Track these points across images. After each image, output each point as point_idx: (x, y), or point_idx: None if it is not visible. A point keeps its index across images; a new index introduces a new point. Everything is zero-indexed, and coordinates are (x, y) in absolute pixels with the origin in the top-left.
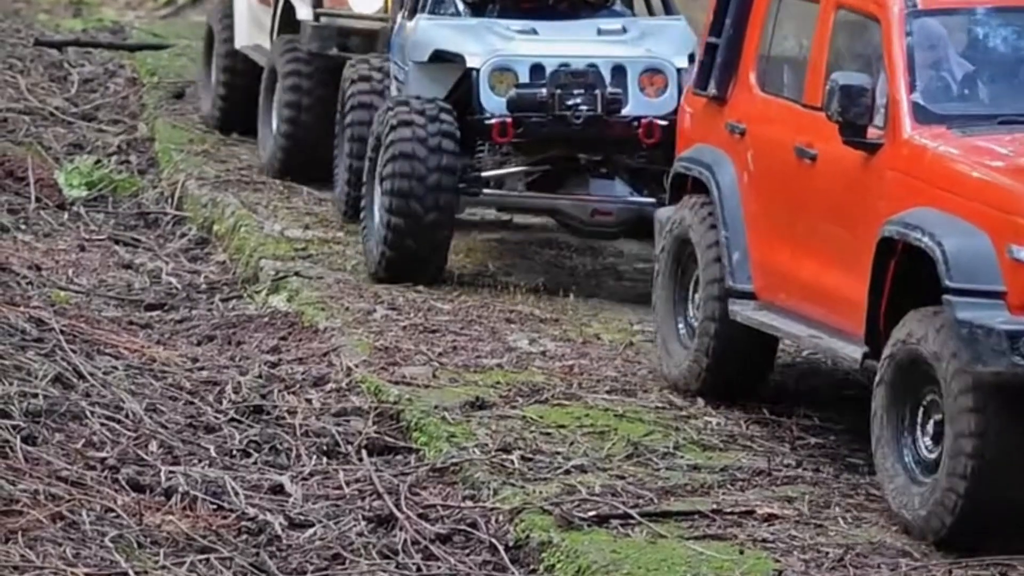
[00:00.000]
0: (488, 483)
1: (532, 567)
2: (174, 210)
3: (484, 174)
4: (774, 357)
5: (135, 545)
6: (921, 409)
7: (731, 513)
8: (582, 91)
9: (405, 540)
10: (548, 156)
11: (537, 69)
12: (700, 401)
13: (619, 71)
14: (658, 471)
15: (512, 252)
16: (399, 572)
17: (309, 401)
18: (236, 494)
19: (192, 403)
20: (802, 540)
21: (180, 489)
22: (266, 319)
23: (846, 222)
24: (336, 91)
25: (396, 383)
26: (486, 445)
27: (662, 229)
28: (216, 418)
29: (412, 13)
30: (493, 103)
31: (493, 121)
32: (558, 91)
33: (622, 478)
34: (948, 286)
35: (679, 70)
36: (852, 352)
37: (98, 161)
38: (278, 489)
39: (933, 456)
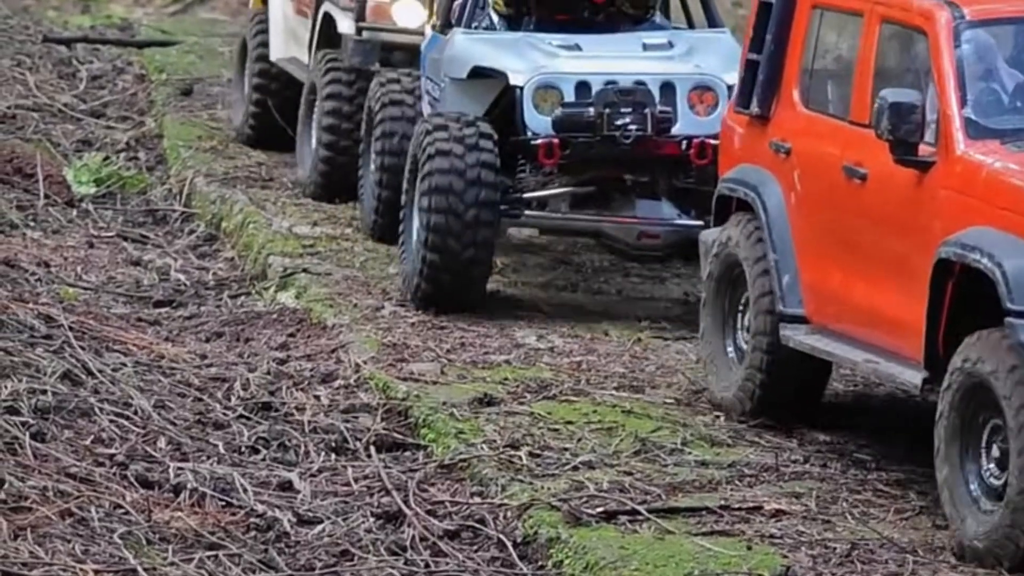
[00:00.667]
0: (496, 479)
1: (540, 563)
2: (182, 207)
3: (526, 195)
4: (827, 380)
5: (144, 542)
6: (985, 435)
7: (739, 509)
8: (631, 110)
9: (413, 536)
10: (593, 176)
11: (583, 87)
12: (706, 395)
13: (668, 88)
14: (666, 467)
15: (520, 248)
16: (407, 568)
17: (317, 398)
18: (245, 491)
19: (201, 400)
20: (810, 536)
21: (189, 486)
22: (274, 316)
23: (900, 243)
24: None
25: (404, 379)
26: (494, 441)
27: (708, 251)
28: (225, 415)
29: (445, 26)
30: (537, 123)
31: (539, 142)
32: (606, 110)
33: (630, 474)
34: (1010, 308)
35: (730, 87)
36: (911, 378)
37: (107, 158)
38: (287, 486)
39: (999, 483)
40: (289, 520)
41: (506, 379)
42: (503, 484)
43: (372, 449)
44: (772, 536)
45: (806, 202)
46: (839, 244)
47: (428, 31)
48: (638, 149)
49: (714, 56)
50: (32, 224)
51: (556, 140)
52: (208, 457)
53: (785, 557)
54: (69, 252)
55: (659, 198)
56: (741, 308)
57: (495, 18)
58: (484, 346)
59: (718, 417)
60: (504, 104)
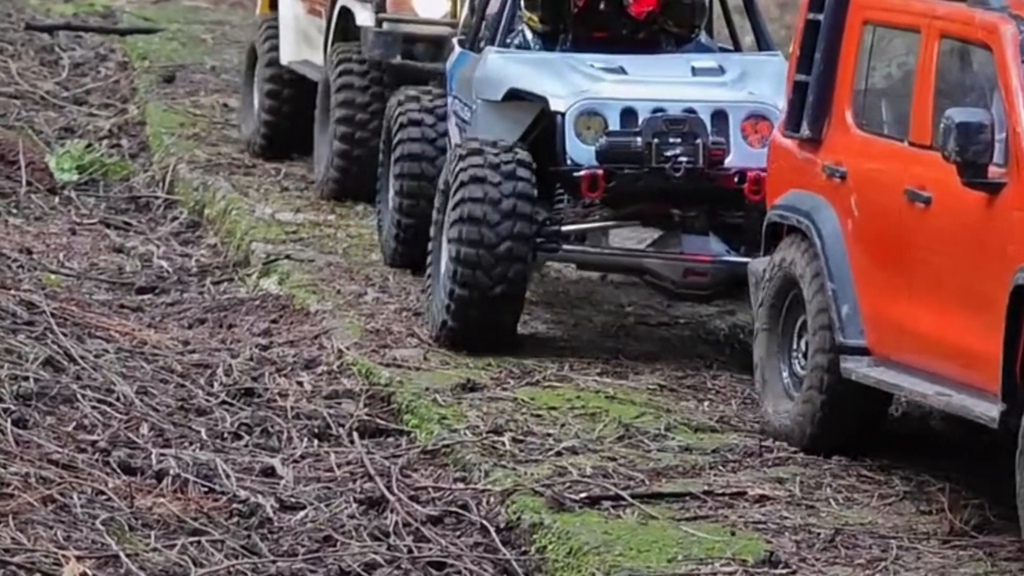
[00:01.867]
0: (479, 465)
1: (523, 549)
2: (165, 194)
3: (564, 228)
4: (887, 410)
5: (126, 528)
6: None
7: (722, 494)
8: (680, 140)
9: (396, 522)
10: (638, 210)
11: (628, 114)
12: (689, 381)
13: (720, 117)
14: (649, 453)
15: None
16: (390, 554)
17: (300, 384)
18: (227, 476)
19: (183, 386)
20: (793, 521)
21: (171, 472)
22: (257, 302)
23: (970, 269)
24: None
25: (387, 365)
26: (477, 427)
27: (759, 280)
28: (207, 401)
29: (474, 41)
30: (580, 152)
31: (582, 173)
32: (655, 140)
33: (613, 460)
34: None
35: None
36: (987, 410)
37: (89, 145)
38: (269, 471)
39: None
40: (272, 506)
41: (489, 365)
42: (486, 470)
43: (355, 435)
44: (756, 521)
45: (864, 228)
46: (902, 271)
47: (455, 47)
48: (689, 182)
49: (767, 82)
50: (14, 211)
51: (600, 171)
52: (191, 443)
53: (769, 542)
54: (51, 239)
55: (707, 233)
56: (796, 333)
57: (529, 35)
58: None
59: (701, 402)
60: (541, 130)
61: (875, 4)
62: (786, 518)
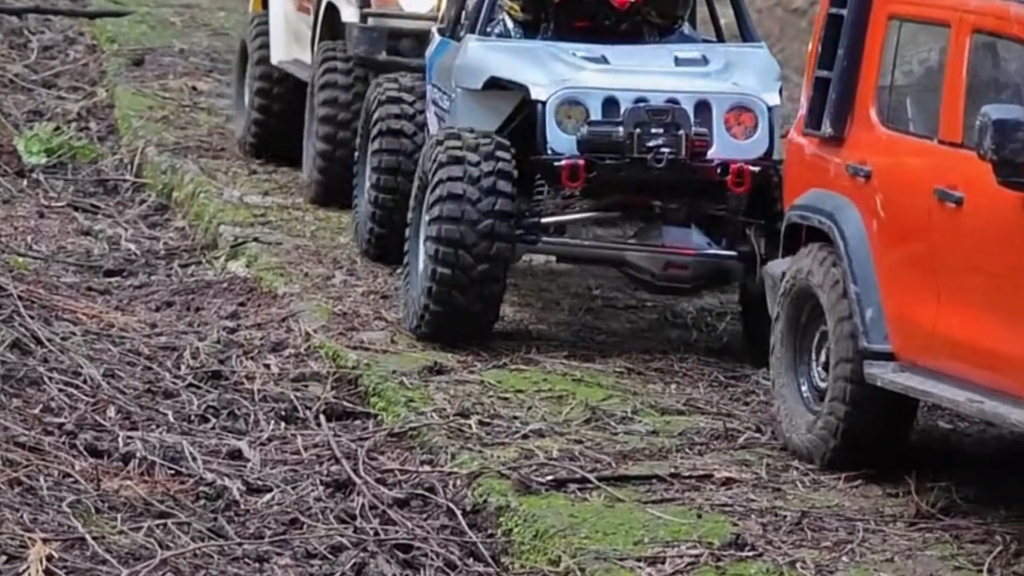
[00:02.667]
0: (446, 448)
1: (490, 531)
2: (133, 177)
3: (544, 219)
4: (912, 421)
5: (93, 510)
6: None
7: (689, 477)
8: (663, 131)
9: (363, 505)
10: (618, 201)
11: (610, 104)
12: (656, 364)
13: (703, 108)
14: (616, 435)
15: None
16: (357, 537)
17: (267, 366)
18: (194, 459)
19: (150, 369)
20: (760, 504)
21: (138, 454)
22: (225, 285)
23: (1006, 271)
24: None
25: (354, 348)
26: (444, 410)
27: (776, 285)
28: (174, 384)
29: (454, 30)
30: (561, 142)
31: (562, 163)
32: (636, 130)
33: (580, 442)
34: None
35: (770, 107)
36: (1023, 417)
37: (57, 128)
38: (236, 454)
39: None
40: (239, 488)
41: (456, 348)
42: (453, 452)
43: (322, 418)
44: (722, 504)
45: (891, 229)
46: (931, 274)
47: (435, 35)
48: (671, 174)
49: (752, 73)
50: None
51: (581, 162)
52: (157, 426)
53: (735, 525)
54: (19, 222)
55: (688, 226)
56: (816, 344)
57: (510, 24)
58: None
59: (668, 385)
60: (522, 119)
61: None
62: (753, 501)
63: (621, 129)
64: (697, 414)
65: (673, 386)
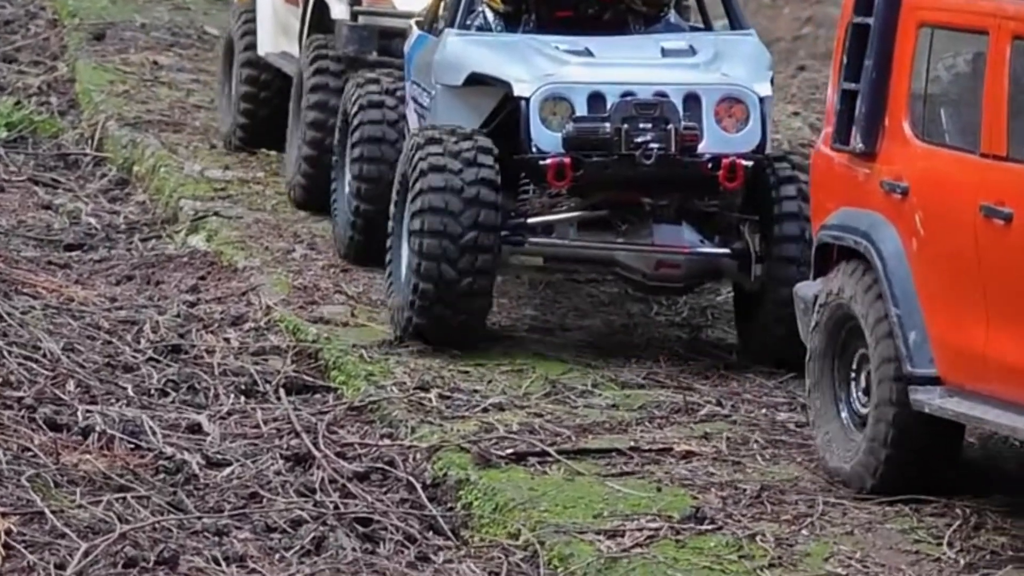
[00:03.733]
0: (406, 421)
1: (449, 504)
2: (94, 151)
3: (530, 220)
4: (961, 443)
5: (52, 484)
6: None
7: (649, 451)
8: (651, 125)
9: (323, 478)
10: (606, 199)
11: (596, 98)
12: (617, 338)
13: (692, 100)
14: (576, 409)
15: None
16: (316, 510)
17: (227, 340)
18: (154, 433)
19: (110, 343)
20: (720, 477)
21: (97, 428)
22: (185, 259)
23: None
24: None
25: (314, 322)
26: (404, 383)
27: (808, 307)
28: (134, 357)
29: (433, 24)
30: (546, 139)
31: (548, 162)
32: (624, 126)
33: (540, 416)
34: None
35: (761, 98)
36: None
37: (18, 102)
38: (196, 428)
39: None
40: (198, 462)
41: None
42: (413, 426)
43: (282, 391)
44: (682, 478)
45: (932, 248)
46: (979, 294)
47: (413, 29)
48: (660, 170)
49: (741, 63)
50: None
51: (567, 159)
52: (117, 400)
53: (695, 499)
54: None
55: (679, 223)
56: (855, 368)
57: (490, 17)
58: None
59: (629, 359)
60: (505, 116)
61: (931, 4)
62: (713, 474)
63: (608, 125)
64: (657, 388)
65: (633, 360)
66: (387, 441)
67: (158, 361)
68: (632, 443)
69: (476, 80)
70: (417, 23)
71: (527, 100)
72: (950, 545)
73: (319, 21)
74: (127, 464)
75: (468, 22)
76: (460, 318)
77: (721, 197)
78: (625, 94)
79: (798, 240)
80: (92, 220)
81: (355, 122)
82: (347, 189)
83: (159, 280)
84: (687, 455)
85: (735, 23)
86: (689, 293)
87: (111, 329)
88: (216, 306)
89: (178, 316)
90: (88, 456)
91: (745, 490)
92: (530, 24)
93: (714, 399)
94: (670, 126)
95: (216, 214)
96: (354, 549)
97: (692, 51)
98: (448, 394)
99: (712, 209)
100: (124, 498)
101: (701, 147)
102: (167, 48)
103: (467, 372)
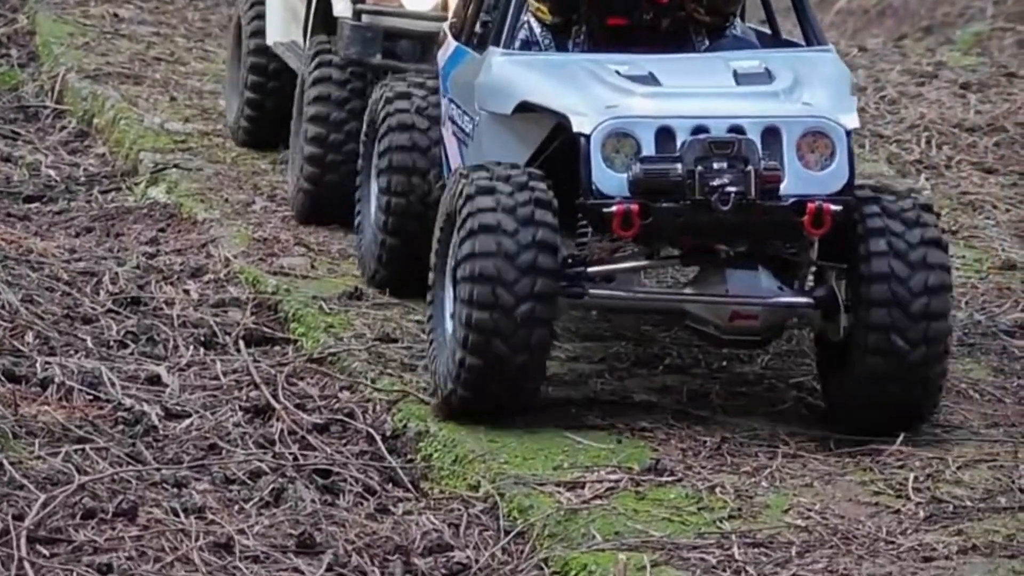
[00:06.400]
0: (366, 373)
1: (409, 456)
2: (54, 103)
3: (591, 269)
4: None
5: (10, 435)
6: None
7: (609, 403)
8: (728, 165)
9: (282, 430)
10: (677, 246)
11: (665, 134)
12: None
13: (771, 134)
14: None
15: None
16: (275, 462)
17: (187, 292)
18: (113, 385)
19: (69, 294)
20: (680, 429)
21: (56, 380)
22: (145, 211)
23: None
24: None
25: (274, 274)
26: (364, 335)
27: None
28: (93, 309)
29: (471, 34)
30: (609, 182)
31: (613, 209)
32: (697, 167)
33: None
34: None
35: (848, 132)
36: None
37: None
38: (155, 380)
39: None
40: (157, 414)
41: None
42: (372, 378)
43: (241, 343)
44: (642, 429)
45: None
46: None
47: (448, 36)
48: (738, 216)
49: (823, 87)
50: None
51: (635, 206)
52: (76, 351)
53: (655, 450)
54: None
55: (755, 268)
56: None
57: (536, 28)
58: (352, 240)
59: (589, 311)
60: (558, 149)
61: None
62: (673, 426)
63: (679, 166)
64: (617, 340)
65: (594, 312)
66: (347, 393)
67: (117, 313)
68: (592, 395)
69: (525, 108)
70: (451, 29)
71: (588, 137)
72: (909, 497)
73: (324, 18)
74: (86, 415)
75: (513, 36)
76: (519, 355)
77: (802, 240)
78: (697, 129)
79: (887, 278)
80: (52, 172)
81: (382, 145)
82: (372, 218)
83: (119, 232)
84: (647, 407)
85: (810, 36)
86: (767, 346)
87: (70, 281)
88: (176, 258)
89: (137, 268)
90: (47, 407)
91: (705, 442)
92: (580, 36)
93: (675, 351)
94: (749, 167)
95: (176, 166)
96: (313, 500)
97: (768, 75)
98: (409, 346)
99: (791, 253)
100: (83, 449)
101: (783, 188)
102: (127, 1)
103: None
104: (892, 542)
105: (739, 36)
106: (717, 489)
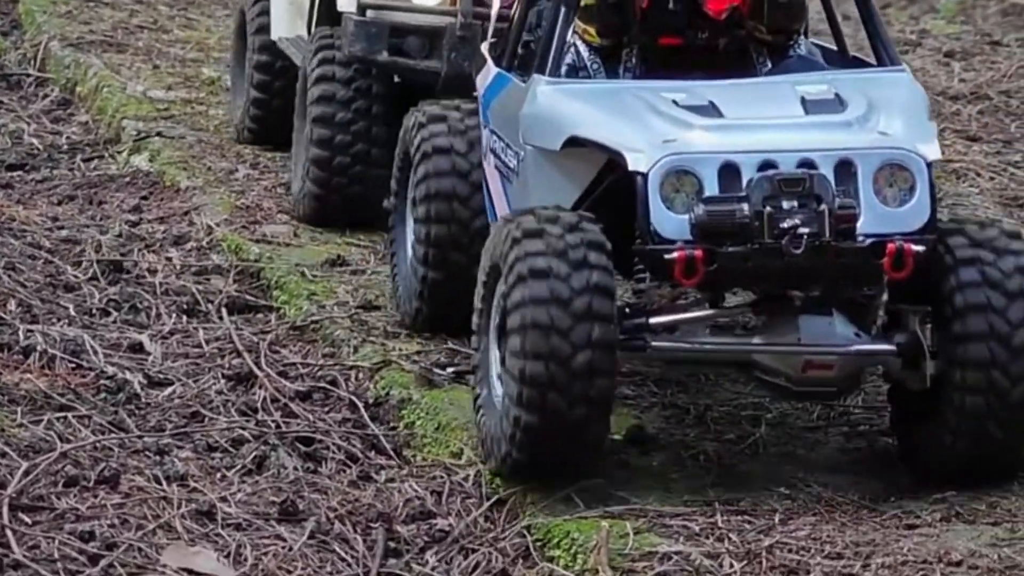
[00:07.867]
0: (348, 341)
1: (392, 424)
2: (37, 71)
3: (652, 320)
4: None
5: None
6: None
7: None
8: (798, 205)
9: (264, 398)
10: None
11: (729, 171)
12: None
13: (844, 167)
14: None
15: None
16: (258, 429)
17: (169, 260)
18: (95, 353)
19: (51, 262)
20: (662, 397)
21: (38, 348)
22: (127, 179)
23: None
24: (384, 99)
25: (257, 242)
26: (346, 303)
27: None
28: (75, 277)
29: (513, 58)
30: (669, 224)
31: (675, 255)
32: (766, 207)
33: None
34: None
35: (928, 163)
36: None
37: None
38: (137, 348)
39: None
40: (140, 382)
41: (359, 240)
42: (355, 345)
43: (224, 311)
44: (625, 397)
45: None
46: None
47: (488, 64)
48: (811, 260)
49: (899, 114)
50: None
51: (698, 252)
52: (58, 319)
53: (638, 418)
54: None
55: (830, 313)
56: None
57: (584, 52)
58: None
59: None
60: (610, 188)
61: None
62: (656, 394)
63: (746, 206)
64: None
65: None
66: (329, 361)
67: (99, 281)
68: None
69: (575, 142)
70: (491, 52)
71: (644, 176)
72: (894, 466)
73: (329, 11)
74: (68, 383)
75: (560, 61)
76: (578, 409)
77: (880, 282)
78: (764, 165)
79: (984, 309)
80: (34, 140)
81: (419, 174)
82: (410, 252)
83: (101, 200)
84: (631, 374)
85: (882, 54)
86: (844, 397)
87: (53, 248)
88: (158, 226)
89: (120, 236)
90: (29, 375)
91: (689, 410)
92: (632, 59)
93: None
94: (822, 205)
95: (159, 134)
96: (296, 468)
97: (840, 101)
98: (392, 314)
99: (867, 300)
100: (65, 417)
101: (859, 227)
102: None
103: None
104: (875, 509)
105: (804, 56)
106: (700, 456)
